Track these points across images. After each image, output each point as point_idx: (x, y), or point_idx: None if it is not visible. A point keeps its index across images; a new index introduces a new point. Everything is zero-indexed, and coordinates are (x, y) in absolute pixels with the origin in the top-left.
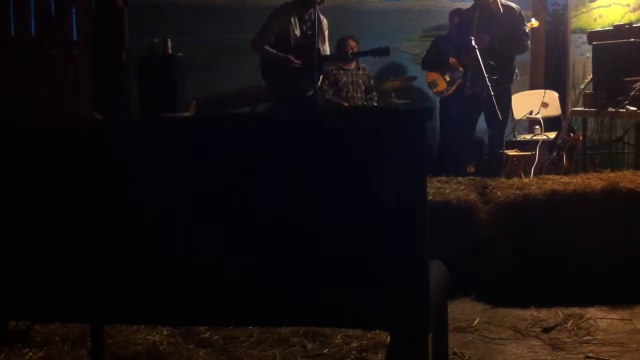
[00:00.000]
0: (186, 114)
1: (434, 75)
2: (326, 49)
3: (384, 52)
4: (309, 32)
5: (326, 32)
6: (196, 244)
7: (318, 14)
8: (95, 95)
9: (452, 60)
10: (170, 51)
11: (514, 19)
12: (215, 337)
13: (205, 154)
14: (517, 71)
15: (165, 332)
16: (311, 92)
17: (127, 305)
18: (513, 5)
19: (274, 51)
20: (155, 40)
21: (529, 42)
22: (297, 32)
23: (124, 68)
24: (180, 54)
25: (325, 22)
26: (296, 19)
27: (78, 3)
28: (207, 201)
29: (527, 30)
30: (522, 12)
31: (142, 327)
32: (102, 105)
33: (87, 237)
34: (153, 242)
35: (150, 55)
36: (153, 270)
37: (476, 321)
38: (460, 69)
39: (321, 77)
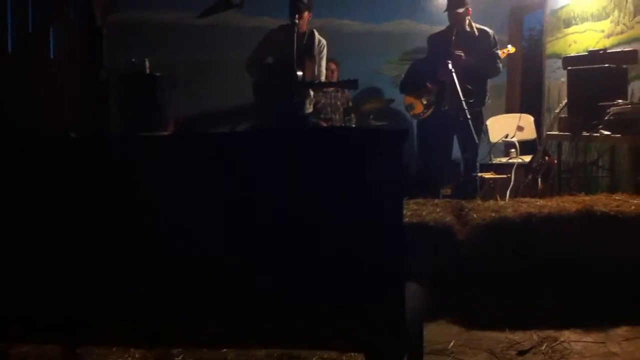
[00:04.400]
0: (165, 133)
1: (411, 99)
2: (321, 71)
3: (352, 85)
4: (304, 55)
5: (322, 54)
6: (159, 275)
7: (313, 34)
8: (74, 114)
9: (429, 84)
10: (148, 70)
11: (488, 42)
12: None
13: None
14: (488, 94)
15: (137, 355)
16: (298, 115)
17: (100, 327)
18: (487, 29)
19: (263, 73)
20: (134, 59)
21: (501, 65)
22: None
23: (104, 87)
24: (159, 74)
25: (322, 43)
26: (289, 41)
27: (56, 21)
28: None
29: (500, 54)
30: (496, 36)
31: (114, 349)
32: (81, 125)
33: (58, 260)
34: (121, 267)
35: (130, 74)
36: (123, 294)
37: (452, 343)
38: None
39: (313, 100)
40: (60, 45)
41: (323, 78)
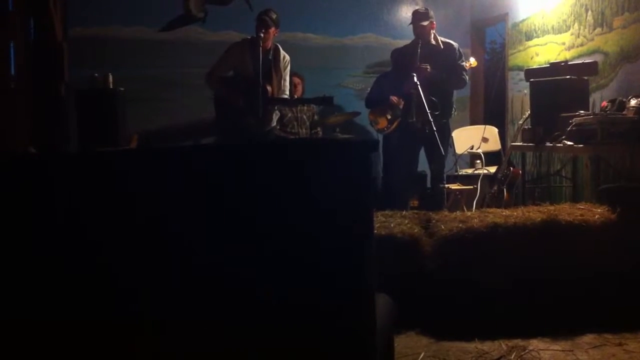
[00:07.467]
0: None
1: (375, 113)
2: (286, 86)
3: (327, 101)
4: (271, 70)
5: (287, 69)
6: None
7: (278, 50)
8: (33, 130)
9: (393, 98)
10: (111, 85)
11: (453, 55)
12: None
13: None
14: (454, 106)
15: None
16: (262, 130)
17: None
18: (452, 42)
19: (225, 87)
20: (96, 74)
21: (467, 77)
22: (252, 69)
23: (63, 102)
24: (122, 89)
25: (287, 59)
26: (253, 55)
27: (16, 37)
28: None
29: (465, 66)
30: (461, 49)
31: None
32: (39, 139)
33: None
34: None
35: (90, 89)
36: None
37: (421, 355)
38: (402, 105)
39: (278, 115)
40: (21, 61)
41: (287, 93)
